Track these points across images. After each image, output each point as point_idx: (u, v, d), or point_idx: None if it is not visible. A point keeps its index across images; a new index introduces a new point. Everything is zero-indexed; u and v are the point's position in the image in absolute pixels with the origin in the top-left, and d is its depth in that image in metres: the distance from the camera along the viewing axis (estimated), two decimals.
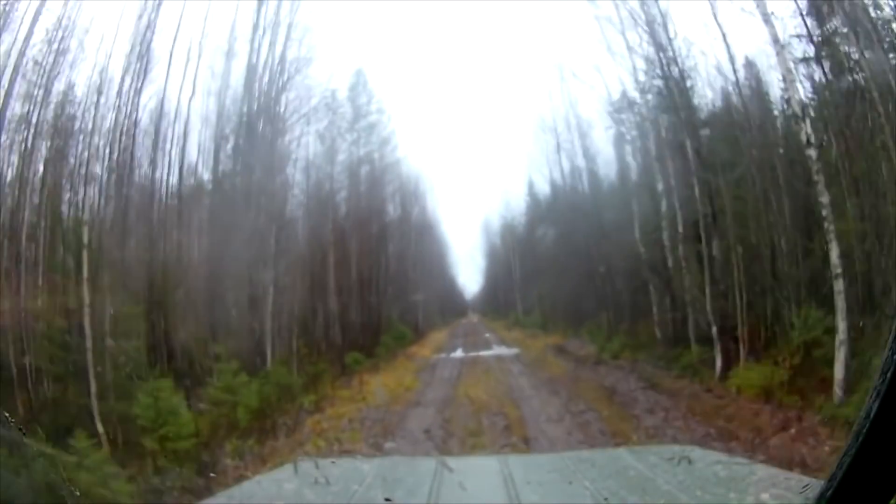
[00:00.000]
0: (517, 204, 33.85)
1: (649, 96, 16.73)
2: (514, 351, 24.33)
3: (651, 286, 17.25)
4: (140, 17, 12.64)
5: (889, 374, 1.10)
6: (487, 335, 33.57)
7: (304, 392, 14.47)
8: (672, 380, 14.40)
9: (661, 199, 16.61)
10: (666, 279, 16.62)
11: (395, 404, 14.24)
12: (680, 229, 15.62)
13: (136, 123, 13.09)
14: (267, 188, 16.17)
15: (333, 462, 2.94)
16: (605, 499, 2.26)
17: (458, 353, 25.70)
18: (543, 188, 28.59)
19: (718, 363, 13.67)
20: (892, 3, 9.85)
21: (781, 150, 13.03)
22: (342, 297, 20.79)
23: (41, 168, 11.90)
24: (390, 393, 15.44)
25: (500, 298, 39.58)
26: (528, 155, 32.25)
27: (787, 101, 12.41)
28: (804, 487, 1.93)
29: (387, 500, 2.35)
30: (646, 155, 17.87)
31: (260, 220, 15.79)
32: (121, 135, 12.67)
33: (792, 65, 11.83)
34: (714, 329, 13.84)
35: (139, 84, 12.94)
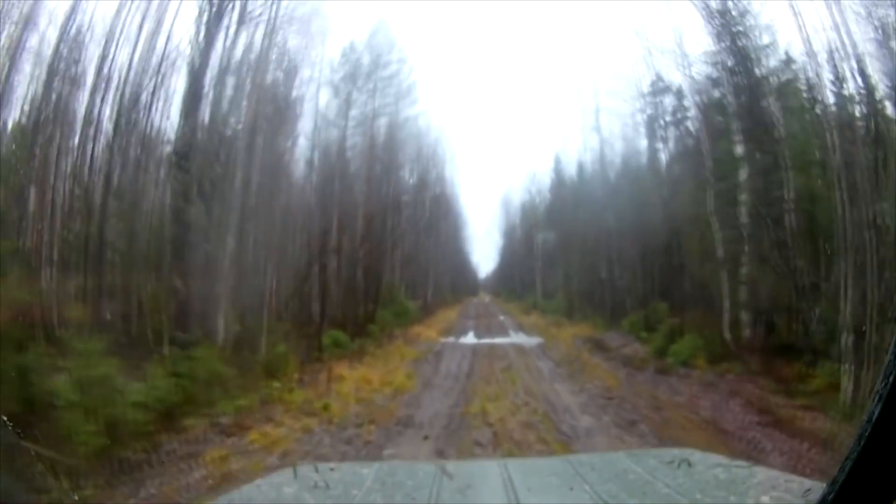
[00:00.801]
0: (542, 181, 33.74)
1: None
2: (536, 341, 22.27)
3: (723, 274, 15.56)
4: None
5: (892, 377, 1.11)
6: (502, 318, 32.64)
7: (232, 392, 10.85)
8: (811, 415, 10.53)
9: (739, 166, 15.26)
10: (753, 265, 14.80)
11: (368, 425, 10.50)
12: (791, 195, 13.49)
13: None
14: (268, 140, 16.06)
15: (332, 467, 2.91)
16: (605, 503, 2.26)
17: (470, 339, 24.01)
18: (570, 166, 28.44)
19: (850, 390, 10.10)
20: None
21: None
22: (334, 260, 19.17)
23: None
24: (367, 400, 12.06)
25: (515, 279, 39.31)
26: (557, 129, 33.23)
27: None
28: (806, 491, 2.01)
29: None
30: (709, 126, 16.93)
31: (254, 173, 15.55)
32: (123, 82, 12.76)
33: None
34: (846, 338, 10.86)
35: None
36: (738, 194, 14.54)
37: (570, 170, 28.21)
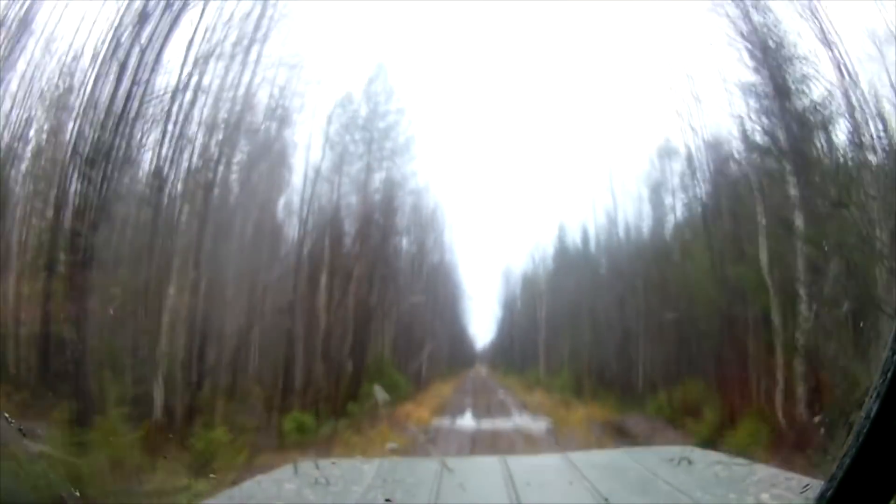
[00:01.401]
0: (546, 250, 33.64)
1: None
2: (543, 424, 20.91)
3: (777, 344, 14.02)
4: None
5: (889, 375, 1.18)
6: (502, 394, 31.50)
7: (133, 497, 7.92)
8: None
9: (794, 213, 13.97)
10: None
11: None
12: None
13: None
14: (252, 189, 15.93)
15: (333, 463, 2.65)
16: (606, 499, 2.31)
17: (467, 421, 22.68)
18: (575, 233, 28.82)
19: None
20: None
21: None
22: (314, 326, 17.95)
23: None
24: None
25: (515, 353, 38.70)
26: (561, 196, 32.25)
27: None
28: (804, 488, 2.25)
29: (387, 500, 2.36)
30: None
31: (229, 221, 15.22)
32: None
33: None
34: None
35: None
36: (795, 246, 13.34)
37: (576, 237, 28.47)
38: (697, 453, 3.85)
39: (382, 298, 22.29)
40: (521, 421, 20.88)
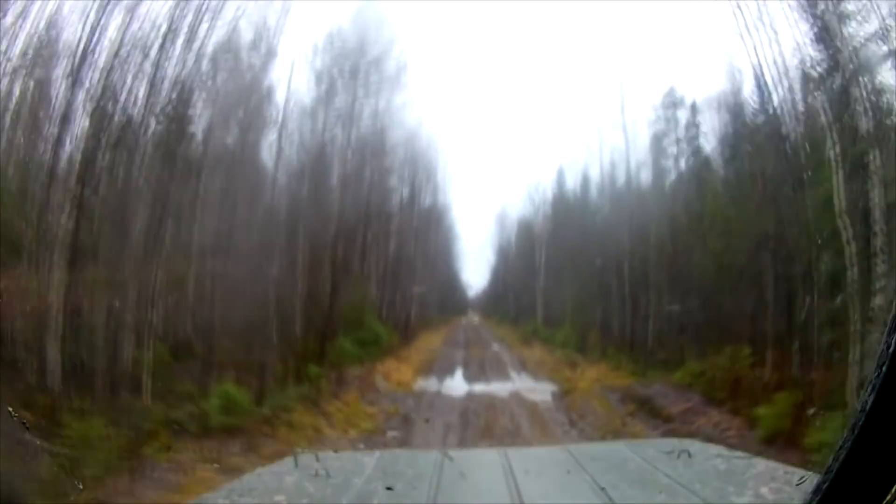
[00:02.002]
0: (543, 194, 31.63)
1: None
2: (548, 389, 17.83)
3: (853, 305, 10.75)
4: None
5: (884, 368, 1.19)
6: (497, 348, 28.91)
7: None
8: None
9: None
10: None
11: None
12: None
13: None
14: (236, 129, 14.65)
15: (334, 453, 3.49)
16: (602, 488, 2.64)
17: (457, 385, 19.16)
18: (577, 177, 27.44)
19: None
20: None
21: None
22: (283, 272, 15.29)
23: None
24: None
25: (509, 301, 36.80)
26: (561, 135, 31.37)
27: None
28: (801, 480, 2.26)
29: (388, 488, 2.72)
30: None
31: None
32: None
33: None
34: None
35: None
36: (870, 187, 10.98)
37: (578, 178, 27.02)
38: (697, 446, 3.60)
39: (367, 241, 21.04)
40: (522, 384, 18.41)
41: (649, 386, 14.96)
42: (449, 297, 37.21)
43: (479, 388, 16.78)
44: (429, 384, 16.55)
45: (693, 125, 18.74)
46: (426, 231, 28.54)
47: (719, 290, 15.54)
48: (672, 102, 19.09)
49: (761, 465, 3.02)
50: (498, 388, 16.98)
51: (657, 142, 19.90)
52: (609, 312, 21.85)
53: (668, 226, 18.31)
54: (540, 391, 15.95)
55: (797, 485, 2.24)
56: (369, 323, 19.45)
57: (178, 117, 12.93)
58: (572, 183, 27.39)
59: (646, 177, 20.89)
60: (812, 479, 1.54)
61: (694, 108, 18.72)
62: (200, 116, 13.84)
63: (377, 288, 22.29)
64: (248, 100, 15.13)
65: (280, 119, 16.54)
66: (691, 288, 16.73)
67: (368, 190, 20.94)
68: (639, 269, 19.87)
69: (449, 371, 19.35)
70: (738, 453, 3.26)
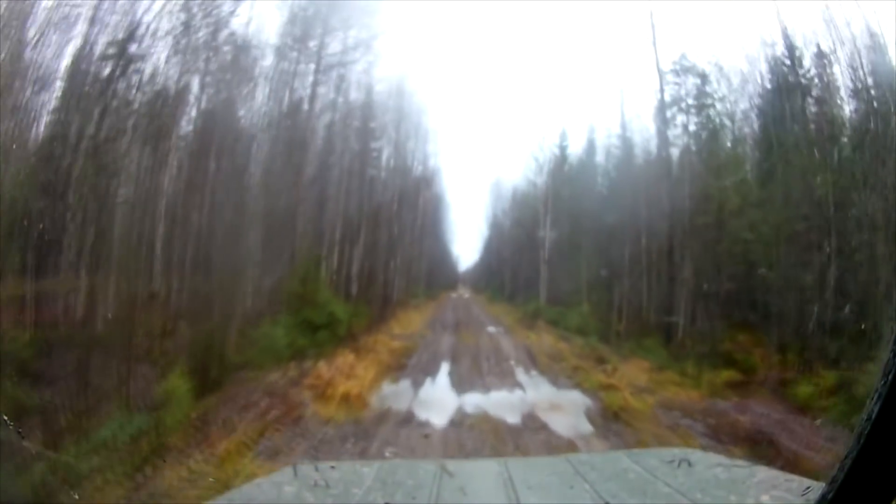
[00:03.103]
0: (544, 160, 27.67)
1: None
2: (583, 412, 11.19)
3: None
4: None
5: (890, 376, 1.14)
6: (493, 331, 23.88)
7: None
8: None
9: None
10: None
11: None
12: None
13: None
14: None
15: (333, 466, 2.97)
16: (606, 502, 2.39)
17: (441, 398, 12.39)
18: (581, 141, 24.82)
19: None
20: None
21: None
22: (235, 243, 12.77)
23: None
24: None
25: (504, 277, 33.57)
26: (561, 98, 29.47)
27: None
28: (805, 490, 2.04)
29: (387, 503, 2.50)
30: None
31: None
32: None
33: None
34: None
35: None
36: None
37: (586, 142, 24.20)
38: (697, 455, 3.07)
39: (341, 206, 18.60)
40: (538, 395, 12.51)
41: (738, 404, 10.55)
42: (437, 269, 34.78)
43: (474, 403, 12.26)
44: (393, 400, 10.11)
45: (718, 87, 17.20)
46: (412, 197, 26.13)
47: (772, 265, 13.55)
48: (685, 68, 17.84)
49: (763, 473, 2.60)
50: (502, 403, 12.07)
51: (677, 103, 18.22)
52: (636, 290, 18.64)
53: (700, 188, 16.20)
54: (569, 410, 10.68)
55: (802, 495, 1.98)
56: (323, 300, 15.40)
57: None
58: (577, 147, 25.50)
59: (664, 138, 18.84)
60: (817, 489, 1.46)
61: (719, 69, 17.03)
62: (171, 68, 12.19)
63: (344, 257, 19.22)
64: (220, 52, 13.62)
65: (254, 74, 15.22)
66: (736, 261, 14.74)
67: (344, 150, 19.45)
68: (669, 240, 17.27)
69: (429, 371, 16.01)
70: (739, 462, 2.76)
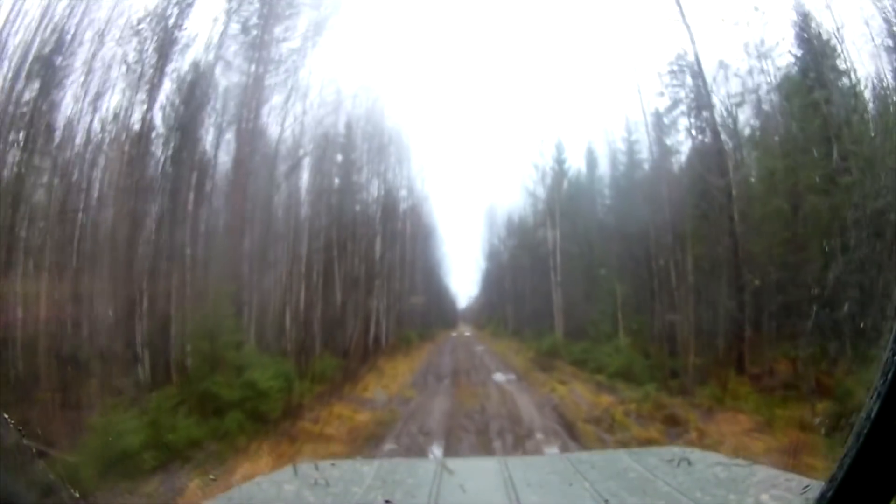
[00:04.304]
0: (547, 173, 23.29)
1: None
2: None
3: None
4: None
5: (889, 376, 1.13)
6: (500, 379, 17.91)
7: None
8: None
9: None
10: None
11: None
12: None
13: None
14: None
15: (333, 464, 2.97)
16: (606, 500, 2.32)
17: None
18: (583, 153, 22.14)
19: None
20: None
21: None
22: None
23: None
24: None
25: (507, 310, 28.46)
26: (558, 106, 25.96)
27: None
28: (805, 488, 2.01)
29: (387, 501, 2.42)
30: None
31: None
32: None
33: None
34: None
35: None
36: None
37: (594, 154, 21.37)
38: (697, 454, 2.83)
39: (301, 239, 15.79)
40: None
41: None
42: (434, 307, 30.92)
43: None
44: None
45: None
46: (399, 227, 22.91)
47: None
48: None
49: (762, 472, 2.50)
50: None
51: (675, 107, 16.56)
52: (689, 311, 14.29)
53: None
54: None
55: (802, 493, 1.88)
56: (241, 362, 10.74)
57: None
58: (576, 159, 22.87)
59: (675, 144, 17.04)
60: (816, 488, 1.47)
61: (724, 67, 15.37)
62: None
63: (309, 298, 15.46)
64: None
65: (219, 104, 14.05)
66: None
67: (321, 184, 17.12)
68: (712, 254, 14.14)
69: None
70: (739, 461, 2.56)
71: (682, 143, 17.33)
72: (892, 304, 8.21)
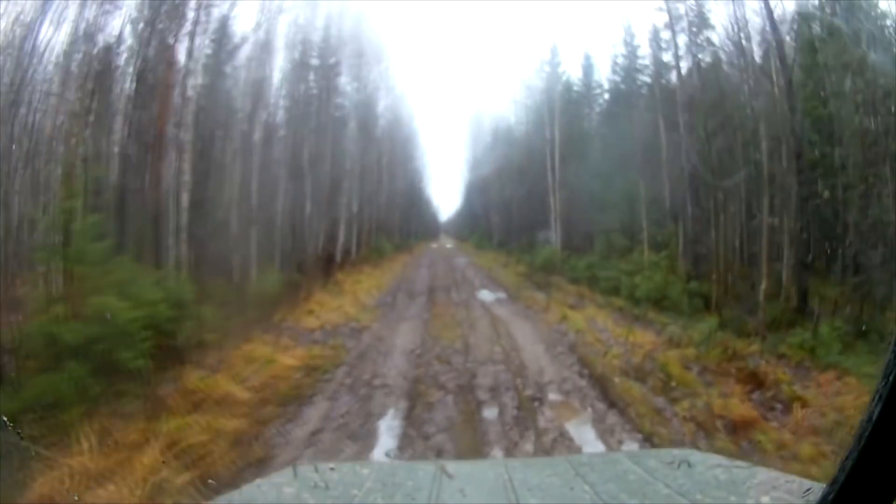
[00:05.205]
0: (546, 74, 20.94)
1: None
2: None
3: None
4: None
5: (891, 377, 1.03)
6: (488, 299, 14.73)
7: None
8: None
9: None
10: None
11: None
12: None
13: None
14: None
15: (332, 468, 2.46)
16: (606, 503, 2.12)
17: None
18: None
19: None
20: None
21: None
22: None
23: None
24: None
25: (492, 220, 25.74)
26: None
27: None
28: (806, 491, 1.79)
29: None
30: None
31: None
32: None
33: None
34: None
35: None
36: None
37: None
38: (697, 456, 2.24)
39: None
40: None
41: None
42: (415, 218, 29.12)
43: None
44: None
45: None
46: (372, 129, 20.39)
47: None
48: None
49: (762, 474, 2.17)
50: None
51: None
52: (747, 221, 11.41)
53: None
54: None
55: (803, 496, 1.64)
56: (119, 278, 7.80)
57: None
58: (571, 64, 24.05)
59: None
60: (817, 490, 1.35)
61: None
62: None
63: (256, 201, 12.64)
64: None
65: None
66: None
67: (294, 85, 15.53)
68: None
69: None
70: (739, 462, 2.18)
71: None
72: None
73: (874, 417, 1.02)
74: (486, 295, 15.33)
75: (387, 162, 23.97)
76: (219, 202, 12.83)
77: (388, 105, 24.40)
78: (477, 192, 31.50)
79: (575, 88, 22.00)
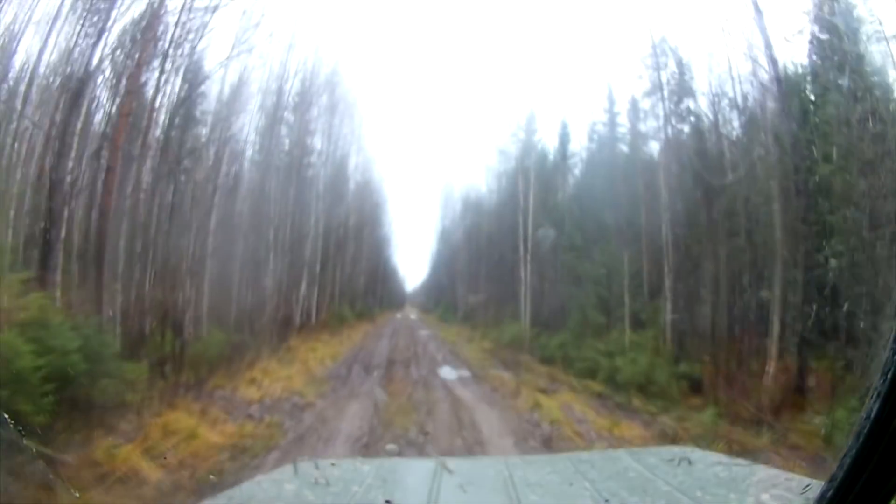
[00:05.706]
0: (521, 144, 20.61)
1: None
2: None
3: None
4: None
5: (889, 375, 1.09)
6: (451, 377, 13.51)
7: None
8: None
9: None
10: None
11: None
12: None
13: None
14: None
15: (333, 463, 2.62)
16: (606, 500, 2.14)
17: None
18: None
19: None
20: None
21: None
22: None
23: None
24: None
25: (458, 292, 24.54)
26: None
27: None
28: (805, 488, 1.85)
29: (387, 501, 2.19)
30: None
31: None
32: None
33: None
34: None
35: None
36: None
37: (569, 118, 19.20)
38: (697, 454, 2.44)
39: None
40: None
41: None
42: (381, 287, 27.63)
43: None
44: None
45: None
46: (340, 194, 19.51)
47: None
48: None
49: (763, 472, 2.26)
50: None
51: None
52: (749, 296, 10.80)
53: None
54: None
55: (802, 493, 1.70)
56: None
57: None
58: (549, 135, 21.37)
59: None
60: (816, 487, 1.41)
61: None
62: None
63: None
64: None
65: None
66: None
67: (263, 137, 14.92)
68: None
69: None
70: (740, 460, 2.30)
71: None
72: (893, 305, 7.46)
73: (872, 415, 1.04)
74: (448, 373, 14.12)
75: (354, 224, 23.26)
76: (170, 249, 11.52)
77: (359, 165, 24.20)
78: (444, 263, 31.12)
79: (550, 157, 21.53)
